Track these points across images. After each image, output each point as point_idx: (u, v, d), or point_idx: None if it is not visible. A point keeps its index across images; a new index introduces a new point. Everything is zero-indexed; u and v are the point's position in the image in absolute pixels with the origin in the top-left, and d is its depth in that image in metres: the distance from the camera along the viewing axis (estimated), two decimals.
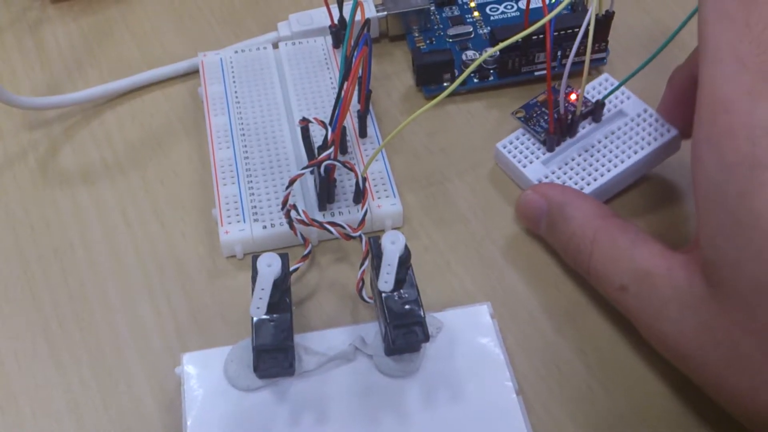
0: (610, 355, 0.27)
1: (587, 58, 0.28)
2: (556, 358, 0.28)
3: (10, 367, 0.28)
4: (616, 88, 0.31)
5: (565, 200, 0.28)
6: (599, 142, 0.31)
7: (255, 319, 0.25)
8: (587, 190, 0.30)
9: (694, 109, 0.23)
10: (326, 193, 0.30)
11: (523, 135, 0.32)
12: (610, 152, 0.31)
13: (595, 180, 0.30)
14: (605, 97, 0.31)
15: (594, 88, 0.33)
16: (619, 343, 0.28)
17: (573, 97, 0.31)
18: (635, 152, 0.30)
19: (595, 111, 0.31)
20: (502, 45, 0.29)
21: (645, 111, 0.31)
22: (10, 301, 0.30)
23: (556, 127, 0.31)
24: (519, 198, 0.30)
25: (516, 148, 0.32)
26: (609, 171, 0.30)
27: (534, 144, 0.32)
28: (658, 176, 0.32)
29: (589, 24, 0.28)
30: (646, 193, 0.32)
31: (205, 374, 0.26)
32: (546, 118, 0.32)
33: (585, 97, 0.31)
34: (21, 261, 0.31)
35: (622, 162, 0.30)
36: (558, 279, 0.30)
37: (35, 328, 0.29)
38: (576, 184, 0.30)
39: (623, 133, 0.31)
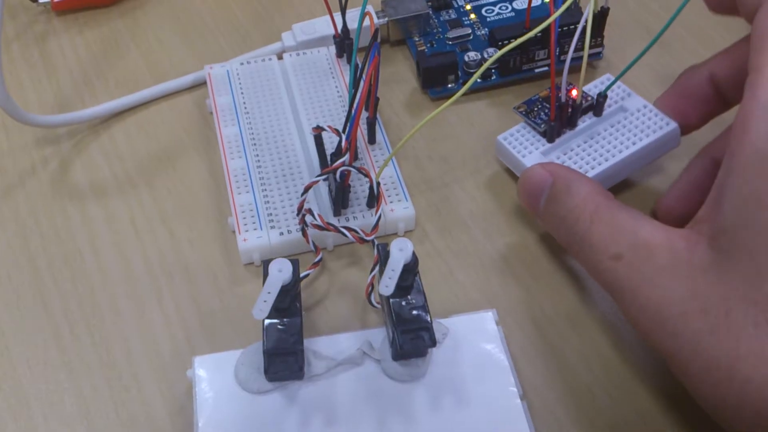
0: (614, 361, 0.28)
1: (585, 52, 0.29)
2: (560, 363, 0.28)
3: (22, 373, 0.28)
4: (613, 82, 0.32)
5: (571, 176, 0.28)
6: (599, 134, 0.32)
7: (266, 323, 0.25)
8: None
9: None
10: (341, 199, 0.30)
11: (524, 128, 0.33)
12: (609, 143, 0.31)
13: (592, 168, 0.31)
14: (606, 89, 0.32)
15: (596, 86, 0.33)
16: (622, 348, 0.28)
17: (574, 93, 0.31)
18: (634, 143, 0.31)
19: (597, 105, 0.32)
20: (510, 47, 0.29)
21: (645, 107, 0.32)
22: (21, 308, 0.30)
23: (556, 116, 0.31)
24: (524, 173, 0.30)
25: (516, 140, 0.32)
26: (607, 160, 0.31)
27: (534, 136, 0.32)
28: (657, 169, 0.33)
29: (586, 22, 0.29)
30: (646, 188, 0.33)
31: (216, 377, 0.26)
32: (547, 111, 0.32)
33: (587, 93, 0.32)
34: (32, 269, 0.31)
35: (621, 152, 0.31)
36: (561, 285, 0.30)
37: (46, 335, 0.29)
38: None
39: (623, 126, 0.32)
